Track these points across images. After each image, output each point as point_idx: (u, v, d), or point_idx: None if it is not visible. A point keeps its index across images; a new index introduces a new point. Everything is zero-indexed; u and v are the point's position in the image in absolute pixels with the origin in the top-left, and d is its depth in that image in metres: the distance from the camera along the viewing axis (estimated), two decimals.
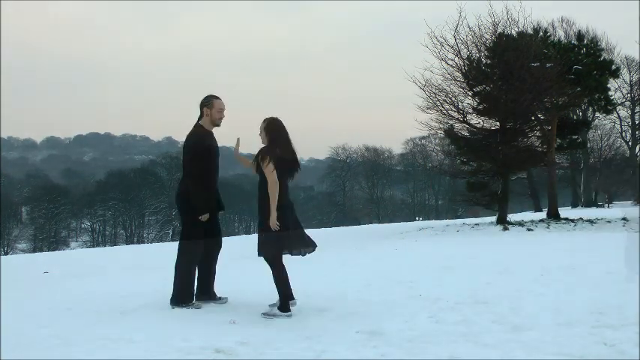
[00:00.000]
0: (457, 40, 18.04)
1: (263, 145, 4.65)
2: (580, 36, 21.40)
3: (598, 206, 39.35)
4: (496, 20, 18.07)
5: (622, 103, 40.12)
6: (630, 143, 42.78)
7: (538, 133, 19.98)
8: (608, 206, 38.59)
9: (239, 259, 8.63)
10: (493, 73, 18.51)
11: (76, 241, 60.76)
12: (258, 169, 4.54)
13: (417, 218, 57.98)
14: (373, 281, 6.22)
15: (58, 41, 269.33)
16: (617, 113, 40.57)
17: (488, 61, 18.78)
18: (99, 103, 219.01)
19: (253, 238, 5.16)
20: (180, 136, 5.66)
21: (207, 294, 5.07)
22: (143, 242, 54.73)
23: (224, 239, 5.35)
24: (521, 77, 17.05)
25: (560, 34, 23.22)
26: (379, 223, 47.57)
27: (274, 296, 4.89)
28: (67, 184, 70.19)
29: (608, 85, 23.15)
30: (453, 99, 18.58)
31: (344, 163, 74.67)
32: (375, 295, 5.41)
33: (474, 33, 18.14)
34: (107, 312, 4.68)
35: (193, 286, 4.97)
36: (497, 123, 18.70)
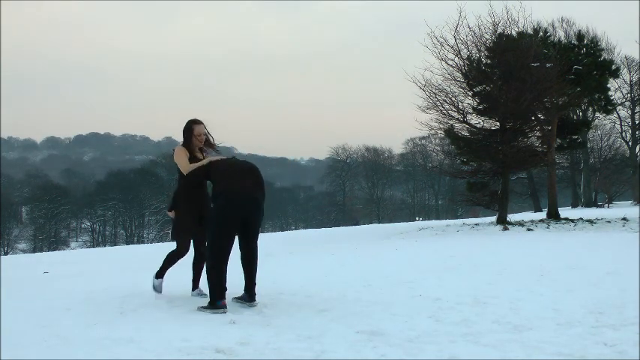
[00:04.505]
0: (457, 40, 18.08)
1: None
2: (580, 36, 21.39)
3: (598, 206, 39.31)
4: (496, 20, 18.12)
5: (622, 103, 40.17)
6: (630, 143, 42.77)
7: (538, 133, 19.99)
8: (608, 206, 38.55)
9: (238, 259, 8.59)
10: (493, 73, 18.52)
11: (76, 241, 60.80)
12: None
13: (417, 218, 57.96)
14: (373, 281, 6.22)
15: (58, 41, 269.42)
16: (617, 113, 40.67)
17: (489, 61, 18.80)
18: (99, 103, 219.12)
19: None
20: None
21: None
22: (143, 242, 54.73)
23: None
24: (521, 77, 17.06)
25: (560, 34, 23.20)
26: (379, 223, 47.55)
27: (274, 295, 4.89)
28: (67, 184, 70.20)
29: (608, 85, 23.18)
30: (453, 99, 18.61)
31: (344, 163, 74.73)
32: (375, 295, 5.40)
33: (474, 33, 18.19)
34: (107, 312, 4.67)
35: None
36: (497, 123, 18.72)
